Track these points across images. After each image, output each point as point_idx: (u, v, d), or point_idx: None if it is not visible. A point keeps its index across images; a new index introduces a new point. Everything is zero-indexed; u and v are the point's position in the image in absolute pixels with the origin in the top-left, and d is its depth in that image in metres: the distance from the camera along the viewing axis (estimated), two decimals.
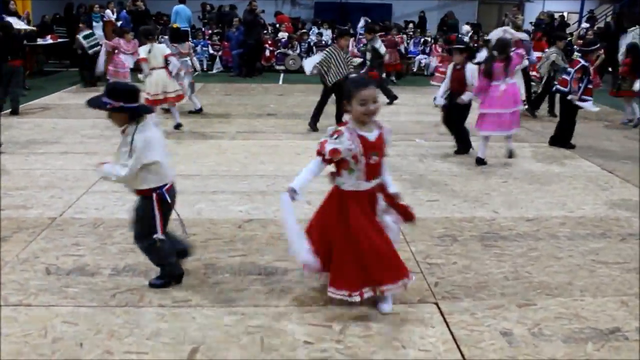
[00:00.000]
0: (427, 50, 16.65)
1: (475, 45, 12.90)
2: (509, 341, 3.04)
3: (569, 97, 7.16)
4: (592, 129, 8.79)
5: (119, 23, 15.00)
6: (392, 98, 10.67)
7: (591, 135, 8.31)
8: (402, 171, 6.22)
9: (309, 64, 9.43)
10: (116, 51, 10.96)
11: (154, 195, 3.32)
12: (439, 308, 3.36)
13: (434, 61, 14.13)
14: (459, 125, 6.93)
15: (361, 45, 13.42)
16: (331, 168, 3.19)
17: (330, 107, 8.38)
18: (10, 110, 9.01)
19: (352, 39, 13.72)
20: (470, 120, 6.83)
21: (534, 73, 10.19)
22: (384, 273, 3.16)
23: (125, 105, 3.18)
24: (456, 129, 6.97)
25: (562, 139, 7.46)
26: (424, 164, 6.59)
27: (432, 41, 16.56)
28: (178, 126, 8.17)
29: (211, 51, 16.36)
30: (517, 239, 4.45)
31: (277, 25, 18.60)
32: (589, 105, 7.15)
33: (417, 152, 7.13)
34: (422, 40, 17.10)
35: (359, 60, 11.08)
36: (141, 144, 3.21)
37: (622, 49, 11.08)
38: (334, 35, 9.55)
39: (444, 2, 22.37)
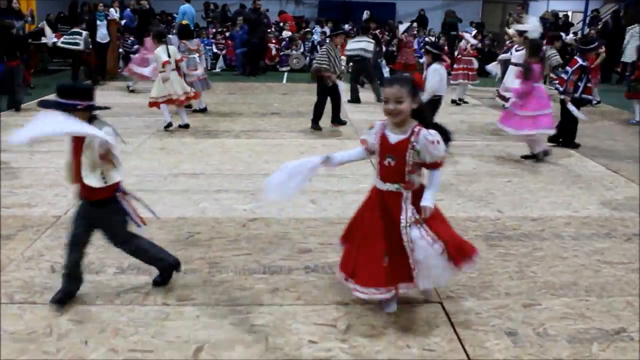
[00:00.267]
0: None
1: (480, 45, 12.87)
2: (514, 341, 3.03)
3: (562, 96, 7.21)
4: (597, 129, 8.77)
5: (122, 22, 15.05)
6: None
7: (596, 135, 8.29)
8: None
9: None
10: (144, 52, 10.86)
11: (118, 194, 3.18)
12: (443, 308, 3.35)
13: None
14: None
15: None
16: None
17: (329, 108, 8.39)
18: (13, 108, 9.13)
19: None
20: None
21: None
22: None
23: (92, 104, 3.03)
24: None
25: (563, 137, 7.45)
26: None
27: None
28: (184, 126, 8.15)
29: (215, 50, 16.38)
30: (522, 238, 4.44)
31: (281, 24, 18.60)
32: (576, 112, 7.15)
33: None
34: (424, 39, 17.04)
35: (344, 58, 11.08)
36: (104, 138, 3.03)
37: (629, 48, 11.09)
38: (329, 33, 9.59)
39: (448, 2, 22.32)
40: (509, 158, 6.85)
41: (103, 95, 11.01)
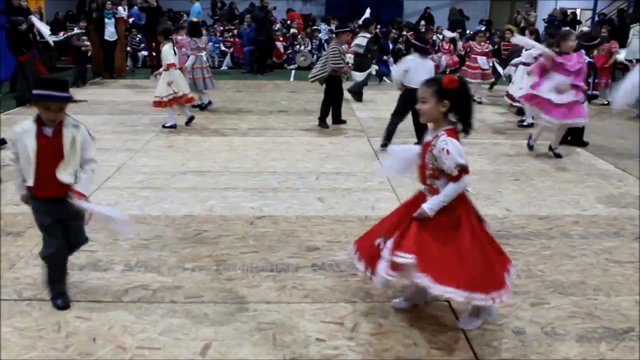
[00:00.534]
0: (436, 48, 16.54)
1: (489, 40, 12.81)
2: (522, 340, 3.02)
3: None
4: (605, 127, 8.72)
5: (130, 20, 15.08)
6: None
7: (604, 133, 8.24)
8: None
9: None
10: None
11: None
12: (450, 306, 3.35)
13: (443, 59, 14.03)
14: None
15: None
16: None
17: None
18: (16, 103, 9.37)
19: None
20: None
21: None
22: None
23: (68, 96, 3.00)
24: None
25: (571, 135, 7.40)
26: None
27: (442, 38, 16.44)
28: (190, 120, 8.16)
29: (222, 48, 16.40)
30: (530, 237, 4.42)
31: (289, 22, 18.61)
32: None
33: None
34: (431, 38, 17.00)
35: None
36: (87, 134, 3.09)
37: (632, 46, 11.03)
38: (335, 31, 9.65)
39: (455, 0, 22.26)
40: (517, 156, 6.82)
41: (111, 92, 11.09)
